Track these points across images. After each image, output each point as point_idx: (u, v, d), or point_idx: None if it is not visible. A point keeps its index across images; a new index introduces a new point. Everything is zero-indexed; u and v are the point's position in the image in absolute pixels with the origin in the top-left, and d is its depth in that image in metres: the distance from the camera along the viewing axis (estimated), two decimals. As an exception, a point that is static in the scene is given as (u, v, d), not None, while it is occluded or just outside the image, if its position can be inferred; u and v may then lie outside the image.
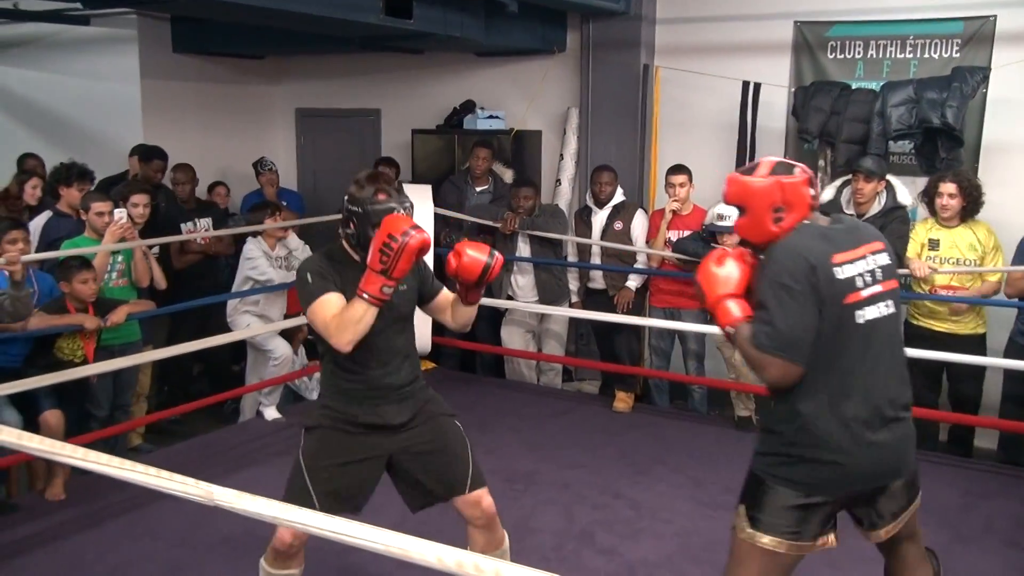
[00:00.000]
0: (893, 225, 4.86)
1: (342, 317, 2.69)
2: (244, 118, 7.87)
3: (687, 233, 5.51)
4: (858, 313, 2.37)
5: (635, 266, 5.81)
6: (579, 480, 4.57)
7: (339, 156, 7.97)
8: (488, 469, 4.61)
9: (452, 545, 1.33)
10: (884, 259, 2.46)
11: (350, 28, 5.42)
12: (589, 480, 4.58)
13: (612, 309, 5.79)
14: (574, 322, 6.38)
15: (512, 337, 6.23)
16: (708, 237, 5.31)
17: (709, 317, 2.65)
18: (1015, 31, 5.24)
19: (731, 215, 5.21)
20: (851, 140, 5.36)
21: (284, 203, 6.69)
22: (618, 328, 5.82)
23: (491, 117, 6.95)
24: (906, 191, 5.04)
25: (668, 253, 5.55)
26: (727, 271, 2.52)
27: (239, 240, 5.92)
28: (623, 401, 5.73)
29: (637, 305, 5.86)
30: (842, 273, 2.35)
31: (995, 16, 5.30)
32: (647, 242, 5.73)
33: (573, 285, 6.11)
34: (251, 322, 5.52)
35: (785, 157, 5.90)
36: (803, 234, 2.40)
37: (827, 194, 5.15)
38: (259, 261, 5.49)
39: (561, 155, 6.76)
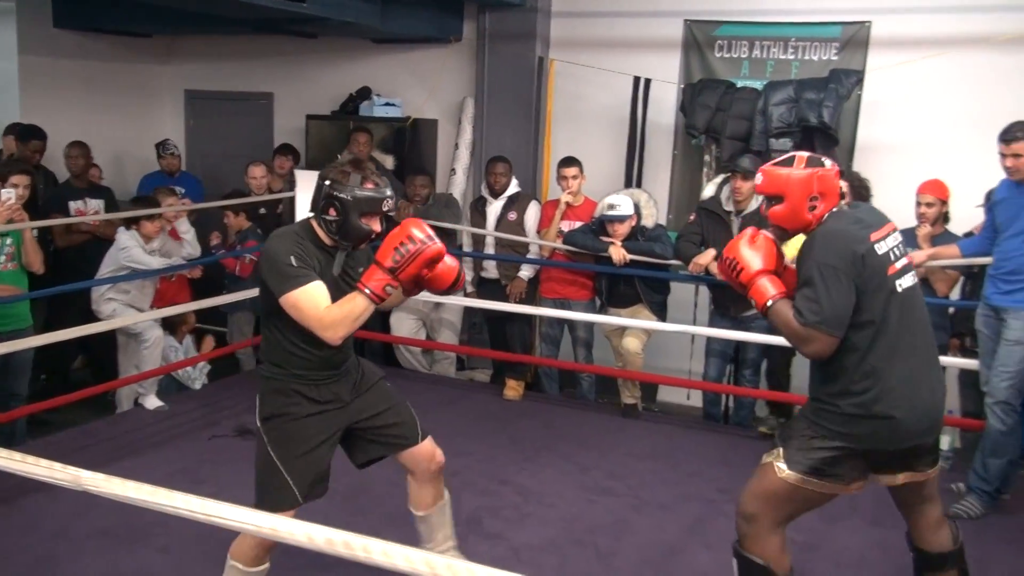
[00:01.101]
0: (773, 221, 5.05)
1: (342, 313, 2.65)
2: (129, 98, 7.62)
3: (578, 224, 5.61)
4: (897, 283, 2.65)
5: (527, 256, 5.88)
6: (467, 467, 4.61)
7: (230, 140, 7.80)
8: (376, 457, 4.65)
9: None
10: (899, 236, 2.75)
11: (241, 9, 5.31)
12: (477, 467, 4.63)
13: (505, 298, 5.85)
14: (467, 311, 6.42)
15: (400, 325, 6.23)
16: (598, 228, 5.41)
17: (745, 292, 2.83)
18: (888, 37, 5.52)
19: (621, 204, 5.34)
20: (735, 136, 5.56)
21: (182, 190, 6.53)
22: (510, 317, 5.89)
23: (387, 104, 6.92)
24: (782, 188, 5.23)
25: (558, 244, 5.64)
26: (761, 249, 2.76)
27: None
28: (513, 389, 5.80)
29: (528, 295, 5.95)
30: (881, 248, 2.63)
31: (870, 22, 5.56)
32: (538, 232, 5.81)
33: (467, 275, 6.14)
34: (116, 308, 5.36)
35: (674, 152, 6.18)
36: (842, 220, 2.68)
37: (708, 191, 5.31)
38: (133, 251, 5.34)
39: (456, 144, 6.78)
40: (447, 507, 3.25)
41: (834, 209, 2.70)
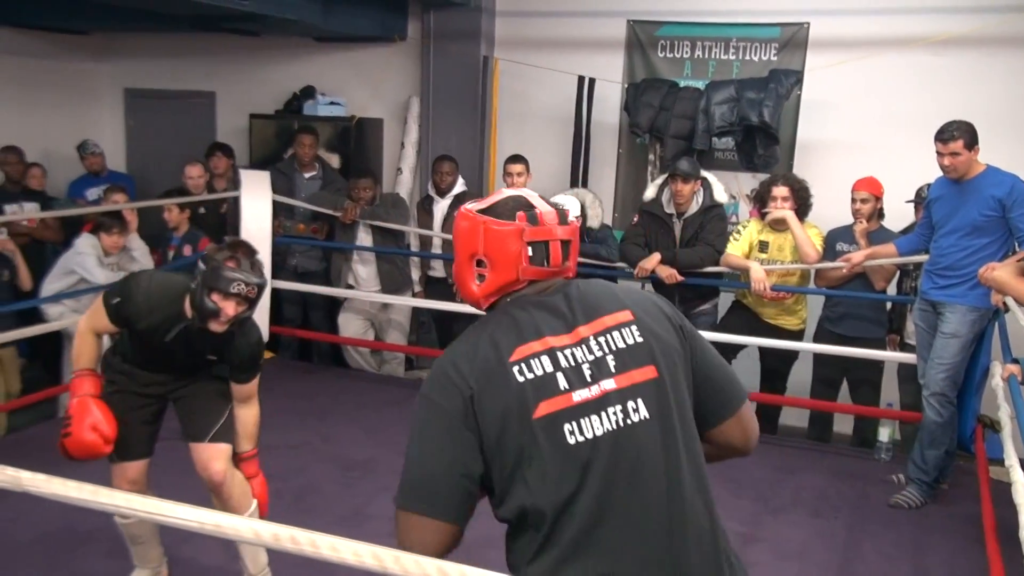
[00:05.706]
0: (712, 223, 5.10)
1: (77, 351, 2.98)
2: (66, 97, 7.45)
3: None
4: (567, 429, 1.48)
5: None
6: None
7: (171, 139, 7.66)
8: (324, 457, 4.64)
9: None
10: (628, 336, 1.57)
11: (179, 5, 5.24)
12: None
13: (452, 298, 5.85)
14: (415, 311, 6.40)
15: (348, 325, 6.19)
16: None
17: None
18: (825, 38, 5.64)
19: (568, 206, 5.35)
20: (678, 136, 5.63)
21: (121, 186, 6.40)
22: (457, 316, 5.88)
23: (332, 103, 6.87)
24: (721, 188, 5.28)
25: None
26: None
27: (68, 226, 5.65)
28: (461, 388, 5.78)
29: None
30: (525, 373, 1.51)
31: (808, 23, 5.68)
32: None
33: (415, 274, 6.13)
34: (63, 312, 5.22)
35: (618, 151, 6.23)
36: (483, 326, 1.62)
37: (649, 192, 5.36)
38: (87, 258, 5.21)
39: (402, 144, 6.76)
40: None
41: (507, 298, 1.65)
